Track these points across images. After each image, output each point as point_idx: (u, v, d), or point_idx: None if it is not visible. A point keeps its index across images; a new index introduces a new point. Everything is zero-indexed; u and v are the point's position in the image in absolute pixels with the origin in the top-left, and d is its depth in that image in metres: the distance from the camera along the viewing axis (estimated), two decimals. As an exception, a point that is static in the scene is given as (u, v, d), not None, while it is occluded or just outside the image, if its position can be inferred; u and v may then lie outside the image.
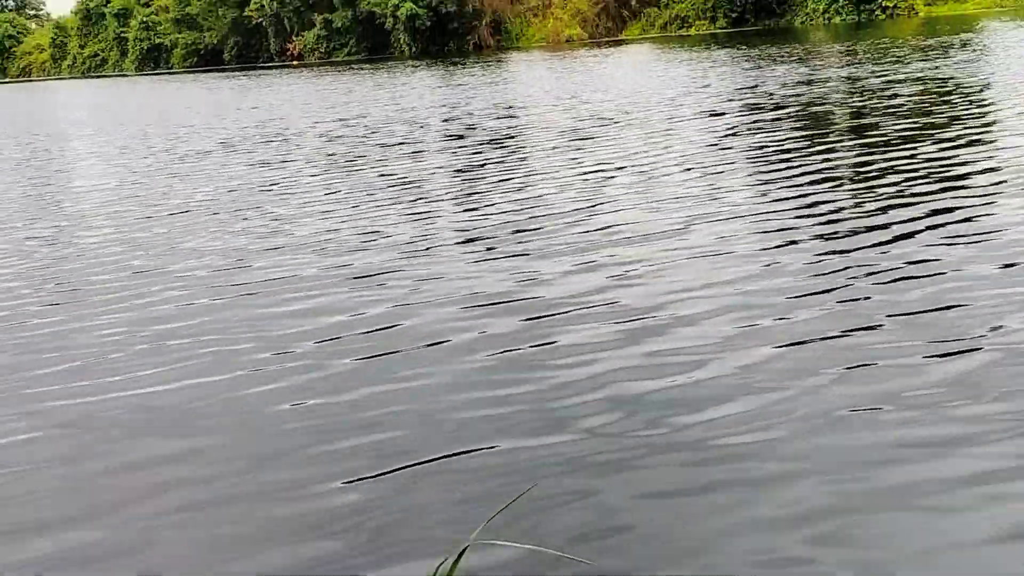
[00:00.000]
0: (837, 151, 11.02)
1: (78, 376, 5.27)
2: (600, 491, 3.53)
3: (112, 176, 14.39)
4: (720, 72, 24.50)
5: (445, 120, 18.80)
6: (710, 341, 5.00)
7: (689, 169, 10.44)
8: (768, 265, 6.33)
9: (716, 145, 12.21)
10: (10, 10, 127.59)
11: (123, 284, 7.29)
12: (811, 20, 57.23)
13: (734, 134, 13.12)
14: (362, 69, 47.94)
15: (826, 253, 6.52)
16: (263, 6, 77.32)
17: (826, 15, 56.58)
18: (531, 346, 5.18)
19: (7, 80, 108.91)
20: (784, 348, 4.80)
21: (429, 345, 5.33)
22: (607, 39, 62.49)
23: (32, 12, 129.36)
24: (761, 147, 11.63)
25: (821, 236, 6.99)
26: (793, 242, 6.88)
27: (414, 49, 69.81)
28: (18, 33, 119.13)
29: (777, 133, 12.75)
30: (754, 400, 4.21)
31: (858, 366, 4.48)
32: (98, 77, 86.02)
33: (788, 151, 11.12)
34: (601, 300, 5.90)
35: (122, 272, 7.72)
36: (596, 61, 36.07)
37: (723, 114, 15.67)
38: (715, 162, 10.78)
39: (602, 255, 6.98)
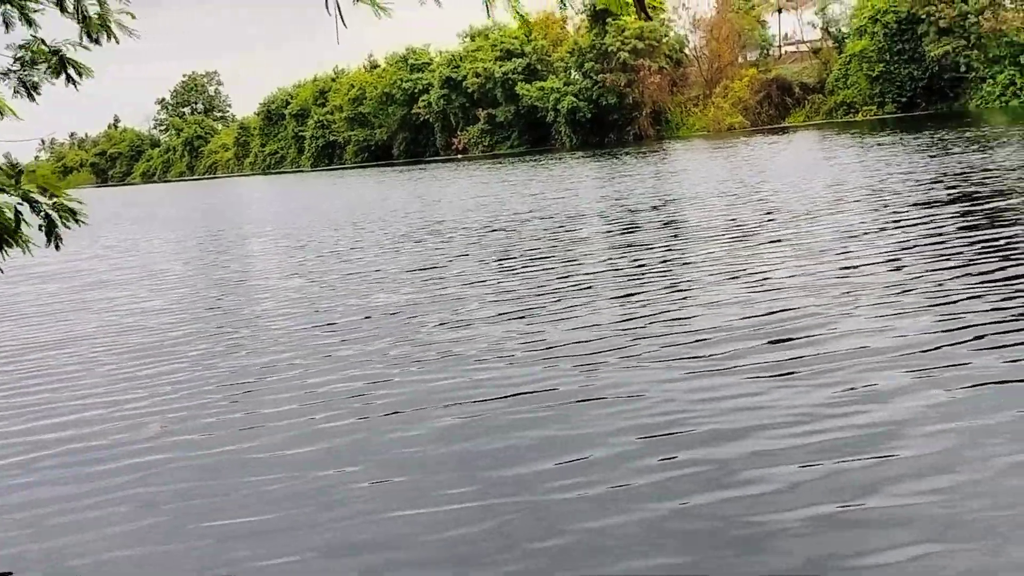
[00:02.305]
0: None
1: (295, 503, 5.04)
2: None
3: (295, 276, 14.56)
4: (913, 159, 22.65)
5: (623, 214, 18.23)
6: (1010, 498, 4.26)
7: (900, 268, 9.52)
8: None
9: (936, 239, 10.93)
10: (199, 113, 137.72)
11: (304, 400, 7.10)
12: (986, 103, 54.46)
13: (961, 227, 11.78)
14: (532, 161, 48.41)
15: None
16: (431, 103, 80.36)
17: (1003, 98, 53.70)
18: (733, 493, 4.57)
19: (195, 177, 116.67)
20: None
21: (637, 485, 4.79)
22: (769, 127, 61.37)
23: (219, 114, 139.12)
24: (990, 240, 10.46)
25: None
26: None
27: (574, 141, 70.51)
28: (206, 134, 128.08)
29: (1008, 226, 11.40)
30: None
31: None
32: (277, 173, 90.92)
33: None
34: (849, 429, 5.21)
35: (302, 391, 7.51)
36: (772, 150, 34.66)
37: (936, 204, 14.22)
38: (937, 258, 9.76)
39: (840, 375, 6.21)
